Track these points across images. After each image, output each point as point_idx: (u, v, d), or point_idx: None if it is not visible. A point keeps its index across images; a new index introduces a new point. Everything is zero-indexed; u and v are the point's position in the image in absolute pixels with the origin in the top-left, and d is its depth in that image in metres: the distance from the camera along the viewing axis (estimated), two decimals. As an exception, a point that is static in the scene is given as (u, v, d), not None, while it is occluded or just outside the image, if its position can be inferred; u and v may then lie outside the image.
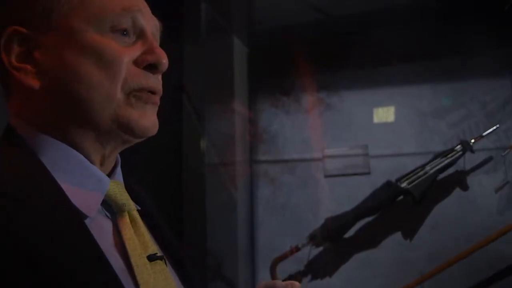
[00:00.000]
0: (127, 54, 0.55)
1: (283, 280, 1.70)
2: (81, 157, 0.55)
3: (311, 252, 1.67)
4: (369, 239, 1.65)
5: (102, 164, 0.58)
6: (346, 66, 1.72)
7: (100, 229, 0.54)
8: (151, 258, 0.57)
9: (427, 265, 1.54)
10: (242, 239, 1.75)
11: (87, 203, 0.53)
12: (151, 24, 0.59)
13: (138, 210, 0.62)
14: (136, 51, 0.56)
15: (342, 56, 1.71)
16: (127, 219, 0.57)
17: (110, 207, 0.57)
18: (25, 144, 0.54)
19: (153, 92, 0.57)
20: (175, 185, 1.66)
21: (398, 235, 1.64)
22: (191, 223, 1.65)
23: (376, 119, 1.71)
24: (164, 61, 0.57)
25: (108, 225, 0.56)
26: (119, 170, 0.61)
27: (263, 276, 1.73)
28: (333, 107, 1.75)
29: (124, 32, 0.56)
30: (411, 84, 1.67)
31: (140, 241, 0.57)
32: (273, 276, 1.67)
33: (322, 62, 1.73)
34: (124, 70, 0.55)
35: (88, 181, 0.55)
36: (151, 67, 0.57)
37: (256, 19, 1.79)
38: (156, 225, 0.65)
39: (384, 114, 1.70)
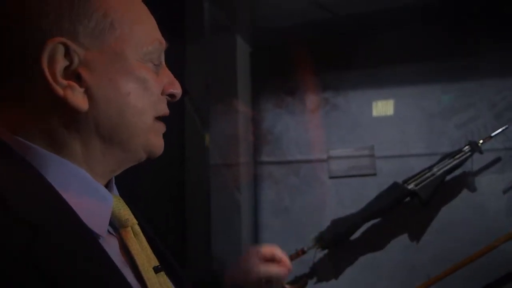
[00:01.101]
0: (159, 83, 0.59)
1: (288, 283, 1.68)
2: (87, 175, 0.54)
3: (316, 254, 1.65)
4: (375, 242, 1.63)
5: (104, 182, 0.58)
6: (352, 66, 1.69)
7: (109, 246, 0.54)
8: (156, 270, 0.58)
9: (434, 269, 1.51)
10: (246, 241, 1.73)
11: (98, 222, 0.53)
12: (163, 55, 0.63)
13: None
14: (162, 81, 0.60)
15: (348, 56, 1.69)
16: (131, 233, 0.58)
17: (112, 223, 0.57)
18: (24, 160, 0.51)
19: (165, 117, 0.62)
20: (178, 188, 1.64)
21: (404, 238, 1.61)
22: (194, 225, 1.63)
23: (382, 120, 1.68)
24: (181, 91, 0.63)
25: (114, 241, 0.57)
26: (114, 187, 0.62)
27: (268, 278, 1.71)
28: (338, 108, 1.73)
29: (154, 61, 0.59)
30: (418, 85, 1.65)
31: (144, 254, 0.58)
32: (278, 279, 1.65)
33: (327, 62, 1.71)
34: (155, 98, 0.59)
35: (95, 200, 0.54)
36: (173, 97, 0.62)
37: (260, 19, 1.76)
38: (151, 237, 0.65)
39: (391, 114, 1.67)
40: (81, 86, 0.52)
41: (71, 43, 0.51)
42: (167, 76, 0.62)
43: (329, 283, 1.67)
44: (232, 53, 1.71)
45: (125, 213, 0.58)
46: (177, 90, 0.62)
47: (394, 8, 1.60)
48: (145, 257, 0.58)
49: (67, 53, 0.51)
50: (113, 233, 0.57)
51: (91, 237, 0.51)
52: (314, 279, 1.68)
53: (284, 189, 1.76)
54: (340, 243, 1.58)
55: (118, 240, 0.57)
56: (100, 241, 0.53)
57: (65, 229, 0.49)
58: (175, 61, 1.72)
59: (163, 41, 0.60)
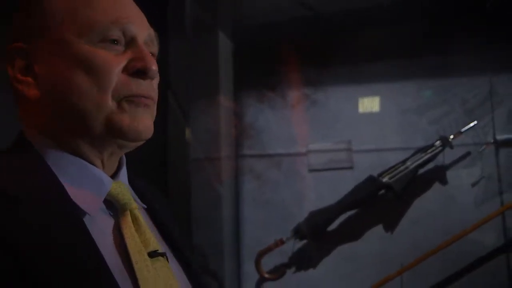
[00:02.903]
0: (116, 62, 0.57)
1: (268, 272, 1.74)
2: (82, 161, 0.58)
3: (295, 245, 1.71)
4: (352, 233, 1.69)
5: (103, 167, 0.61)
6: (331, 63, 1.74)
7: (102, 227, 0.57)
8: (152, 255, 0.59)
9: (408, 257, 1.59)
10: (227, 233, 1.77)
11: (89, 202, 0.56)
12: (143, 33, 0.61)
13: (144, 209, 0.65)
14: (125, 59, 0.58)
15: (328, 53, 1.73)
16: (128, 217, 0.60)
17: (113, 207, 0.60)
18: (33, 149, 0.58)
19: (146, 97, 0.59)
20: (161, 181, 1.67)
21: (380, 229, 1.68)
22: (175, 217, 1.67)
23: (360, 115, 1.74)
24: (154, 67, 0.59)
25: (110, 223, 0.59)
26: (123, 172, 0.64)
27: (249, 269, 1.76)
28: (318, 103, 1.78)
29: (114, 41, 0.58)
30: (394, 82, 1.71)
31: (141, 238, 0.59)
32: (258, 268, 1.70)
33: (307, 59, 1.76)
34: (114, 78, 0.57)
35: (90, 182, 0.58)
36: (140, 73, 0.58)
37: (243, 15, 1.80)
38: (163, 222, 0.68)
39: (368, 110, 1.73)
40: (33, 79, 0.58)
41: (22, 44, 0.59)
42: (136, 52, 0.59)
43: (307, 272, 1.73)
44: (214, 50, 1.74)
45: (125, 197, 0.60)
46: (142, 65, 0.58)
47: (372, 8, 1.66)
48: (142, 241, 0.59)
49: (22, 54, 0.58)
50: (111, 214, 0.59)
51: (74, 213, 0.54)
52: (293, 269, 1.74)
53: (265, 182, 1.81)
54: (317, 234, 1.64)
55: (113, 222, 0.59)
56: (89, 220, 0.55)
57: (48, 203, 0.53)
58: (159, 56, 1.75)
59: (122, 20, 0.58)
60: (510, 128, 1.59)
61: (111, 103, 0.57)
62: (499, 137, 1.59)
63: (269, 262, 1.74)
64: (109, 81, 0.56)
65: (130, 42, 0.59)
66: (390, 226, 1.67)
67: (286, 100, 1.82)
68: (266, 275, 1.70)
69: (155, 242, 0.61)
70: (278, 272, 1.71)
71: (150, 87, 0.60)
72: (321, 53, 1.73)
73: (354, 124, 1.73)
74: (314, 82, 1.78)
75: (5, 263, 0.47)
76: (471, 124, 1.56)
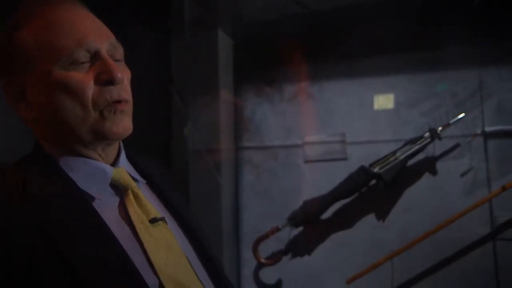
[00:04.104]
0: (87, 79, 0.68)
1: (266, 258, 1.82)
2: (85, 159, 0.71)
3: (291, 232, 1.79)
4: (345, 221, 1.76)
5: (103, 159, 0.73)
6: (326, 59, 1.81)
7: (111, 206, 0.71)
8: (152, 221, 0.72)
9: (399, 245, 1.66)
10: (227, 220, 1.86)
11: (97, 189, 0.70)
12: (105, 43, 0.70)
13: (146, 183, 0.79)
14: (94, 73, 0.69)
15: (322, 49, 1.80)
16: (130, 195, 0.73)
17: (117, 188, 0.73)
18: (48, 156, 0.71)
19: (119, 101, 0.70)
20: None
21: (371, 217, 1.75)
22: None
23: (353, 109, 1.80)
24: (119, 75, 0.69)
25: (116, 201, 0.72)
26: (122, 157, 0.76)
27: (247, 255, 1.85)
28: (314, 97, 1.85)
29: (81, 61, 0.68)
30: (386, 76, 1.77)
31: (142, 210, 0.72)
32: (256, 254, 1.79)
33: (303, 54, 1.83)
34: (90, 92, 0.68)
35: (95, 173, 0.71)
36: (109, 83, 0.69)
37: (241, 14, 1.87)
38: (163, 193, 0.81)
39: (361, 104, 1.79)
40: (26, 104, 0.71)
41: (10, 77, 0.71)
42: (101, 66, 0.68)
43: (302, 258, 1.81)
44: (214, 47, 1.82)
45: (125, 180, 0.73)
46: (107, 76, 0.68)
47: (365, 5, 1.72)
48: (143, 212, 0.72)
49: (13, 85, 0.71)
50: (116, 195, 0.73)
51: (85, 200, 0.68)
52: (289, 255, 1.82)
53: (263, 173, 1.90)
54: (311, 222, 1.72)
55: (119, 201, 0.72)
56: (98, 202, 0.69)
57: (63, 196, 0.67)
58: (161, 55, 1.84)
59: (83, 40, 0.67)
60: (499, 120, 1.64)
61: (93, 114, 0.68)
62: (488, 128, 1.64)
63: (267, 248, 1.82)
64: (86, 97, 0.67)
65: (95, 56, 0.69)
66: (381, 215, 1.73)
67: (283, 94, 1.90)
68: (263, 261, 1.78)
69: (155, 210, 0.74)
70: (275, 258, 1.79)
71: (121, 90, 0.70)
72: (316, 49, 1.80)
73: (348, 117, 1.80)
74: (309, 77, 1.85)
75: (42, 242, 0.61)
76: (459, 116, 1.61)
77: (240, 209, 1.91)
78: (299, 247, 1.81)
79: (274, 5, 1.81)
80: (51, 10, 0.70)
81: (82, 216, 0.66)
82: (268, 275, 1.84)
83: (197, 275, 0.74)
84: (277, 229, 1.73)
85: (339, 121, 1.81)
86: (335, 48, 1.78)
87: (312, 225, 1.75)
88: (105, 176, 0.72)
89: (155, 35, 1.73)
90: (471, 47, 1.66)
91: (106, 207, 0.70)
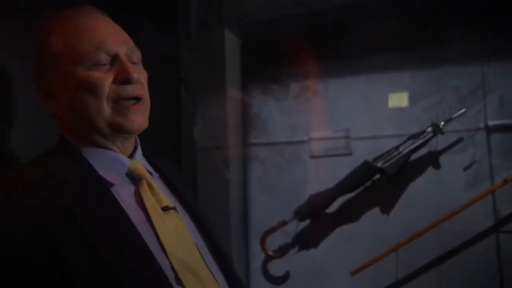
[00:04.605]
0: (105, 78, 0.77)
1: (273, 251, 1.87)
2: (105, 150, 0.80)
3: (298, 226, 1.83)
4: (350, 215, 1.80)
5: (121, 151, 0.82)
6: (330, 56, 1.85)
7: (127, 193, 0.80)
8: (164, 209, 0.80)
9: (402, 239, 1.68)
10: (235, 215, 1.92)
11: (114, 176, 0.79)
12: (123, 47, 0.80)
13: (159, 177, 0.88)
14: (113, 73, 0.78)
15: (327, 47, 1.84)
16: (145, 184, 0.81)
17: (133, 178, 0.82)
18: (72, 147, 0.80)
19: (134, 98, 0.79)
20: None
21: (376, 211, 1.78)
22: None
23: (357, 105, 1.84)
24: (135, 75, 0.78)
25: (131, 190, 0.81)
26: (138, 152, 0.86)
27: (256, 248, 1.91)
28: (318, 94, 1.90)
29: (102, 62, 0.78)
30: (389, 72, 1.80)
31: (155, 198, 0.80)
32: (263, 247, 1.84)
33: (308, 53, 1.87)
34: (107, 89, 0.77)
35: (114, 163, 0.80)
36: (126, 82, 0.78)
37: (248, 13, 1.92)
38: (174, 186, 0.90)
39: (365, 100, 1.83)
40: (55, 101, 0.80)
41: (42, 77, 0.81)
42: (119, 67, 0.78)
43: (309, 251, 1.85)
44: (221, 46, 1.88)
45: (140, 171, 0.82)
46: (124, 76, 0.78)
47: (367, 3, 1.76)
48: (156, 200, 0.80)
49: (44, 84, 0.81)
50: (132, 184, 0.81)
51: (104, 186, 0.76)
52: (296, 248, 1.87)
53: (270, 168, 1.95)
54: (316, 215, 1.76)
55: (134, 189, 0.81)
56: (116, 188, 0.77)
57: (85, 181, 0.75)
58: (171, 55, 1.91)
59: (104, 44, 0.77)
60: (501, 115, 1.65)
61: (107, 109, 0.77)
62: (491, 123, 1.66)
63: (274, 242, 1.87)
64: (102, 93, 0.77)
65: (114, 59, 0.79)
66: (385, 209, 1.77)
67: (289, 92, 1.94)
68: (271, 253, 1.84)
69: (167, 199, 0.82)
70: (282, 251, 1.84)
71: (136, 88, 0.79)
72: (320, 48, 1.84)
73: (352, 113, 1.84)
74: (314, 75, 1.89)
75: (66, 220, 0.68)
76: (461, 111, 1.63)
77: (248, 204, 1.96)
78: (305, 241, 1.85)
79: (279, 5, 1.86)
80: (76, 19, 0.80)
81: (102, 199, 0.74)
82: (276, 267, 1.89)
83: (205, 262, 0.80)
84: (284, 223, 1.78)
85: (344, 117, 1.85)
86: (339, 46, 1.83)
87: (318, 219, 1.80)
88: (122, 165, 0.80)
89: (165, 37, 1.80)
90: (474, 43, 1.68)
91: (123, 194, 0.78)
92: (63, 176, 0.74)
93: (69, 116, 0.80)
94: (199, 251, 0.81)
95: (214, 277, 0.80)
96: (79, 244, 0.67)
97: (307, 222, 1.83)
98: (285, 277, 1.87)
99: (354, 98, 1.85)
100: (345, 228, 1.81)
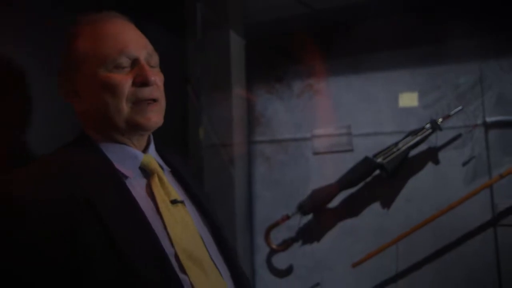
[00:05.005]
0: (125, 80, 0.84)
1: (278, 245, 1.93)
2: (121, 145, 0.87)
3: (301, 220, 1.89)
4: (351, 209, 1.85)
5: (135, 146, 0.88)
6: (332, 55, 1.90)
7: (139, 185, 0.86)
8: (173, 202, 0.86)
9: (402, 232, 1.73)
10: (241, 210, 1.98)
11: (128, 169, 0.85)
12: (143, 52, 0.86)
13: (170, 171, 0.93)
14: (132, 76, 0.85)
15: (328, 46, 1.90)
16: (156, 178, 0.87)
17: (145, 172, 0.88)
18: (92, 141, 0.86)
19: (151, 100, 0.85)
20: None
21: (377, 205, 1.83)
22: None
23: (358, 102, 1.89)
24: (152, 78, 0.84)
25: (144, 183, 0.87)
26: (151, 147, 0.92)
27: (260, 242, 1.97)
28: (320, 92, 1.95)
29: (123, 65, 0.84)
30: (390, 70, 1.84)
31: (165, 191, 0.86)
32: (268, 241, 1.90)
33: (310, 52, 1.93)
34: (126, 90, 0.83)
35: (128, 157, 0.86)
36: (144, 85, 0.84)
37: (252, 14, 1.98)
38: (184, 181, 0.96)
39: (366, 97, 1.88)
40: (79, 98, 0.87)
41: (66, 76, 0.87)
42: (138, 70, 0.85)
43: (312, 245, 1.91)
44: (226, 47, 1.94)
45: (152, 165, 0.88)
46: (142, 79, 0.84)
47: (367, 2, 1.80)
48: (165, 193, 0.86)
49: (68, 82, 0.87)
50: (144, 177, 0.87)
51: (119, 177, 0.82)
52: (300, 242, 1.93)
53: (274, 165, 2.01)
54: (319, 210, 1.82)
55: (146, 182, 0.87)
56: (129, 180, 0.83)
57: (102, 173, 0.81)
58: (177, 56, 1.97)
59: (125, 49, 0.84)
60: (499, 111, 1.69)
61: (126, 108, 0.83)
62: (489, 119, 1.70)
63: (278, 236, 1.93)
64: (122, 93, 0.83)
65: (134, 62, 0.85)
66: (386, 204, 1.82)
67: (293, 90, 2.00)
68: (274, 247, 1.90)
69: (176, 193, 0.88)
70: (286, 244, 1.90)
71: (153, 90, 0.86)
72: (322, 47, 1.89)
73: (354, 111, 1.89)
74: (317, 74, 1.94)
75: (84, 207, 0.74)
76: (458, 109, 1.67)
77: (253, 199, 2.03)
78: (308, 234, 1.91)
79: (282, 5, 1.91)
80: (102, 24, 0.87)
81: (118, 190, 0.80)
82: (280, 261, 1.95)
83: (209, 254, 0.85)
84: (287, 217, 1.84)
85: (345, 114, 1.90)
86: (340, 45, 1.88)
87: (321, 213, 1.85)
88: (136, 159, 0.86)
89: (172, 39, 1.86)
90: (472, 41, 1.72)
91: (136, 186, 0.84)
92: (83, 168, 0.80)
93: (91, 113, 0.86)
94: (204, 243, 0.86)
95: (218, 268, 0.85)
96: (95, 227, 0.73)
97: (310, 216, 1.89)
98: (289, 270, 1.93)
99: (355, 96, 1.89)
100: (347, 222, 1.86)
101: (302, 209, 1.81)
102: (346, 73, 1.91)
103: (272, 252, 1.94)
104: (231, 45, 1.95)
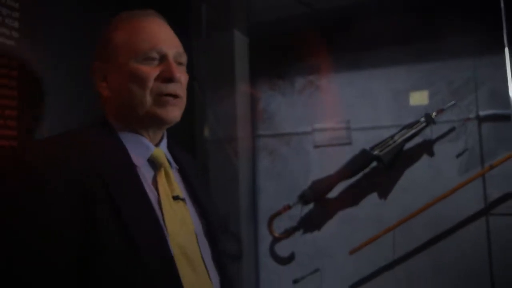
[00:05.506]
0: (152, 73, 0.87)
1: (280, 234, 2.02)
2: (138, 135, 0.90)
3: (302, 210, 1.98)
4: (350, 199, 1.94)
5: (150, 139, 0.91)
6: (332, 53, 1.98)
7: (147, 175, 0.88)
8: (175, 198, 0.89)
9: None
10: (245, 202, 2.07)
11: (138, 158, 0.88)
12: (173, 51, 0.90)
13: (177, 169, 0.95)
14: (159, 70, 0.88)
15: (328, 44, 1.98)
16: (162, 172, 0.90)
17: (154, 164, 0.91)
18: (111, 127, 0.90)
19: (173, 96, 0.88)
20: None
21: (374, 196, 1.92)
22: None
23: (357, 97, 1.97)
24: (177, 75, 0.88)
25: (151, 174, 0.90)
26: (164, 142, 0.95)
27: (264, 231, 2.06)
28: (321, 88, 2.04)
29: (152, 59, 0.88)
30: (387, 67, 1.92)
31: (169, 187, 0.89)
32: (270, 230, 2.00)
33: (311, 49, 2.01)
34: (150, 83, 0.87)
35: (141, 148, 0.89)
36: (168, 80, 0.87)
37: (255, 14, 2.07)
38: (189, 180, 0.98)
39: (364, 93, 1.96)
40: (107, 85, 0.91)
41: (100, 64, 0.92)
42: (165, 66, 0.87)
43: (312, 233, 2.00)
44: (231, 45, 2.03)
45: (161, 159, 0.91)
46: (167, 74, 0.86)
47: (365, 2, 1.88)
48: (169, 188, 0.88)
49: (101, 70, 0.91)
50: (153, 170, 0.90)
51: (132, 165, 0.86)
52: (301, 231, 2.02)
53: (277, 158, 2.10)
54: (319, 200, 1.91)
55: (153, 174, 0.89)
56: (139, 169, 0.86)
57: (117, 157, 0.86)
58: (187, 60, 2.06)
59: (157, 45, 0.87)
60: (492, 105, 1.76)
61: (149, 100, 0.87)
62: (482, 113, 1.77)
63: (281, 225, 2.02)
64: (147, 86, 0.87)
65: (163, 58, 0.88)
66: (383, 194, 1.90)
67: (294, 86, 2.09)
68: (277, 235, 1.99)
69: (179, 190, 0.91)
70: (288, 233, 2.00)
71: (177, 87, 0.89)
72: (322, 45, 1.98)
73: (353, 106, 1.97)
74: (317, 70, 2.03)
75: (99, 184, 0.79)
76: (451, 103, 1.75)
77: (257, 191, 2.12)
78: (309, 223, 2.00)
79: (284, 5, 2.00)
80: (138, 20, 0.91)
81: (129, 174, 0.84)
82: (282, 249, 2.05)
83: (200, 252, 0.89)
84: (289, 207, 1.93)
85: (344, 109, 1.98)
86: (339, 42, 1.96)
87: (321, 203, 1.94)
88: (148, 150, 0.89)
89: (179, 38, 1.96)
90: (466, 38, 1.79)
91: (143, 174, 0.87)
92: (100, 148, 0.84)
93: (115, 100, 0.89)
94: (197, 240, 0.89)
95: (205, 266, 0.88)
96: (107, 203, 0.78)
97: (311, 206, 1.98)
98: (291, 257, 2.02)
99: (354, 91, 1.98)
100: (346, 211, 1.95)
101: (303, 199, 1.90)
102: (346, 70, 1.99)
103: (275, 240, 2.04)
104: (235, 44, 2.04)
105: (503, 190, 1.71)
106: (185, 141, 2.03)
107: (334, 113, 2.00)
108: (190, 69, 2.12)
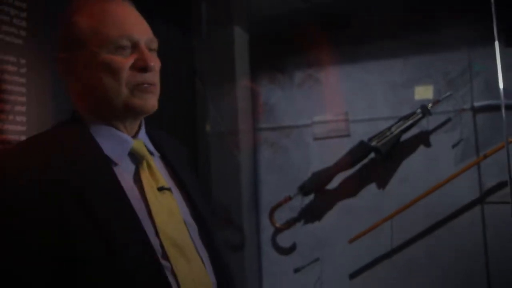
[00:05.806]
0: (125, 63, 0.81)
1: (281, 224, 2.08)
2: (112, 128, 0.84)
3: (303, 201, 2.04)
4: (350, 190, 1.99)
5: (127, 131, 0.86)
6: (330, 46, 2.02)
7: (127, 171, 0.84)
8: (160, 189, 0.85)
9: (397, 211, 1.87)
10: (247, 193, 2.12)
11: (118, 155, 0.83)
12: (144, 37, 0.84)
13: (160, 156, 0.91)
14: (132, 59, 0.82)
15: (326, 38, 2.02)
16: (144, 164, 0.86)
17: (135, 157, 0.86)
18: (82, 123, 0.85)
19: (149, 84, 0.83)
20: (191, 149, 2.04)
21: (373, 186, 1.96)
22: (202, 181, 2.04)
23: (355, 90, 2.01)
24: (151, 63, 0.82)
25: (132, 168, 0.85)
26: (142, 132, 0.89)
27: (266, 222, 2.12)
28: (320, 81, 2.08)
29: (124, 47, 0.82)
30: (384, 59, 1.96)
31: (152, 178, 0.85)
32: (272, 220, 2.05)
33: (310, 44, 2.05)
34: (125, 74, 0.81)
35: (118, 142, 0.84)
36: (143, 69, 0.82)
37: (254, 10, 2.11)
38: (173, 166, 0.93)
39: (362, 85, 2.00)
40: (74, 78, 0.84)
41: (65, 55, 0.85)
42: (139, 55, 0.82)
43: (313, 224, 2.06)
44: (231, 41, 2.07)
45: (142, 151, 0.86)
46: (142, 63, 0.81)
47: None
48: (153, 180, 0.84)
49: (65, 61, 0.84)
50: (133, 163, 0.85)
51: (107, 163, 0.81)
52: (302, 222, 2.07)
53: (277, 150, 2.15)
54: (318, 191, 1.96)
55: (134, 168, 0.85)
56: (117, 167, 0.81)
57: (88, 156, 0.80)
58: (186, 50, 2.11)
59: (128, 32, 0.81)
60: (486, 96, 1.80)
61: (125, 91, 0.81)
62: (477, 104, 1.81)
63: (282, 216, 2.08)
64: (122, 77, 0.81)
65: (135, 46, 0.83)
66: (381, 184, 1.95)
67: (294, 80, 2.14)
68: (278, 226, 2.05)
69: (163, 181, 0.86)
70: (289, 224, 2.05)
71: (152, 76, 0.84)
72: (321, 39, 2.02)
73: (350, 98, 2.01)
74: (316, 64, 2.07)
75: (70, 191, 0.74)
76: (446, 94, 1.79)
77: (258, 183, 2.17)
78: (309, 214, 2.05)
79: (283, 1, 2.04)
80: (105, 3, 0.84)
81: (103, 176, 0.79)
82: (284, 239, 2.10)
83: (192, 241, 0.85)
84: (289, 198, 1.98)
85: (343, 102, 2.03)
86: (337, 36, 2.00)
87: (320, 194, 1.99)
88: (126, 145, 0.83)
89: (180, 34, 2.00)
90: (461, 31, 1.83)
91: (124, 172, 0.82)
92: (72, 153, 0.78)
93: (86, 93, 0.83)
94: (188, 230, 0.85)
95: (199, 254, 0.85)
96: (84, 217, 0.73)
97: (311, 197, 2.03)
98: (292, 247, 2.07)
99: (352, 84, 2.02)
100: (345, 202, 2.00)
101: (303, 190, 1.95)
102: (343, 63, 2.03)
103: (277, 231, 2.09)
104: (236, 39, 2.08)
105: (497, 179, 1.75)
106: (187, 135, 2.08)
107: (333, 106, 2.04)
108: (191, 64, 2.18)
